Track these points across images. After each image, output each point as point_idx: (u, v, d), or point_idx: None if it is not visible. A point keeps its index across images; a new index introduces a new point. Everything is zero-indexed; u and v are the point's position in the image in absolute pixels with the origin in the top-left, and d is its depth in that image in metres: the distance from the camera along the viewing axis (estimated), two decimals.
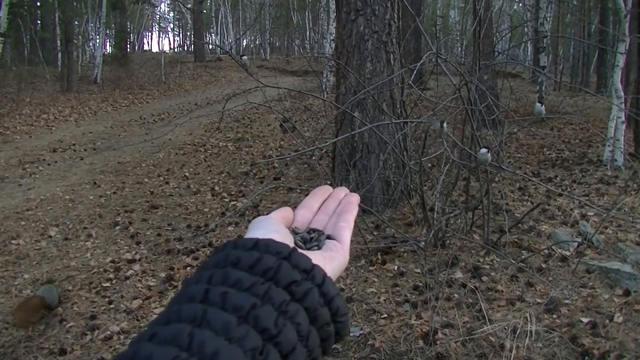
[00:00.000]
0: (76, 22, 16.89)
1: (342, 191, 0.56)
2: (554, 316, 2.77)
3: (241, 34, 26.55)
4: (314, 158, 5.96)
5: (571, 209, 4.32)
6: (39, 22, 18.59)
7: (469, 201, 3.95)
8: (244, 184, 5.84)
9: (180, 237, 4.35)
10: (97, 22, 18.07)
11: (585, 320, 2.70)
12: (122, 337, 2.92)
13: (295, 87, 9.04)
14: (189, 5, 26.49)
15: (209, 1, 33.04)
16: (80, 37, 18.25)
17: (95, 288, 3.52)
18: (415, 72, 3.13)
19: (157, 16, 45.36)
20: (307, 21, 26.98)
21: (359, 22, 4.53)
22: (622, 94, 5.80)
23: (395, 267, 3.46)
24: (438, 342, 2.58)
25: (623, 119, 5.76)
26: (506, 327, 2.64)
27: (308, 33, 26.60)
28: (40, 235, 4.53)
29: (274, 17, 28.35)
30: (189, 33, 37.52)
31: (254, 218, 0.49)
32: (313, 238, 0.49)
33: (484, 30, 4.17)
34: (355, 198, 0.55)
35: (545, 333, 2.61)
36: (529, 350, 2.48)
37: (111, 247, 4.23)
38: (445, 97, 4.29)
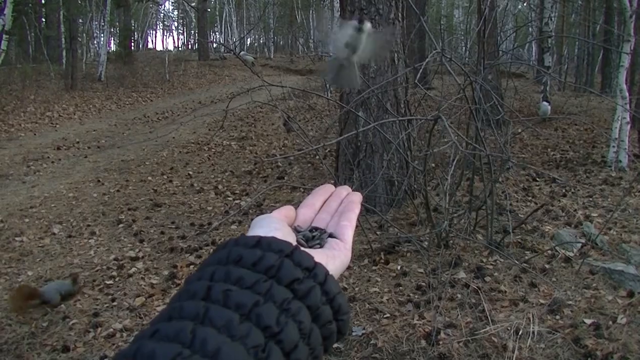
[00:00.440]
0: (80, 20, 16.89)
1: (345, 190, 0.56)
2: (557, 317, 2.76)
3: (245, 32, 26.57)
4: (317, 157, 5.95)
5: (575, 210, 4.30)
6: (43, 20, 18.64)
7: (472, 201, 3.94)
8: (248, 182, 5.85)
9: (183, 235, 4.35)
10: (102, 20, 18.12)
11: (588, 321, 2.68)
12: (124, 334, 2.93)
13: (299, 86, 9.02)
14: (193, 4, 26.53)
15: (213, 0, 33.08)
16: (84, 35, 18.25)
17: (98, 285, 3.53)
18: (420, 71, 3.13)
19: (162, 14, 45.50)
20: (311, 20, 26.97)
21: None
22: (627, 94, 5.78)
23: (398, 267, 3.46)
24: (440, 342, 2.57)
25: (628, 119, 5.74)
26: (509, 328, 2.63)
27: (312, 32, 26.57)
28: (43, 233, 4.54)
29: (278, 16, 28.36)
30: (193, 32, 37.61)
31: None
32: (315, 236, 0.49)
33: (489, 29, 4.16)
34: (357, 197, 0.55)
35: (548, 334, 2.60)
36: (532, 351, 2.47)
37: (114, 245, 4.24)
38: (449, 97, 4.28)
